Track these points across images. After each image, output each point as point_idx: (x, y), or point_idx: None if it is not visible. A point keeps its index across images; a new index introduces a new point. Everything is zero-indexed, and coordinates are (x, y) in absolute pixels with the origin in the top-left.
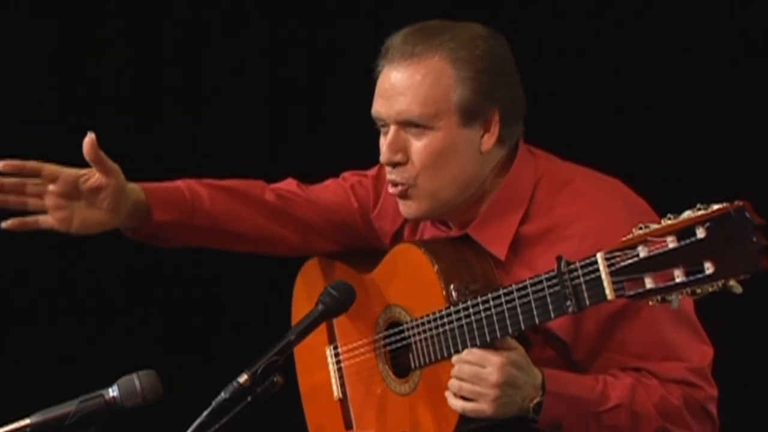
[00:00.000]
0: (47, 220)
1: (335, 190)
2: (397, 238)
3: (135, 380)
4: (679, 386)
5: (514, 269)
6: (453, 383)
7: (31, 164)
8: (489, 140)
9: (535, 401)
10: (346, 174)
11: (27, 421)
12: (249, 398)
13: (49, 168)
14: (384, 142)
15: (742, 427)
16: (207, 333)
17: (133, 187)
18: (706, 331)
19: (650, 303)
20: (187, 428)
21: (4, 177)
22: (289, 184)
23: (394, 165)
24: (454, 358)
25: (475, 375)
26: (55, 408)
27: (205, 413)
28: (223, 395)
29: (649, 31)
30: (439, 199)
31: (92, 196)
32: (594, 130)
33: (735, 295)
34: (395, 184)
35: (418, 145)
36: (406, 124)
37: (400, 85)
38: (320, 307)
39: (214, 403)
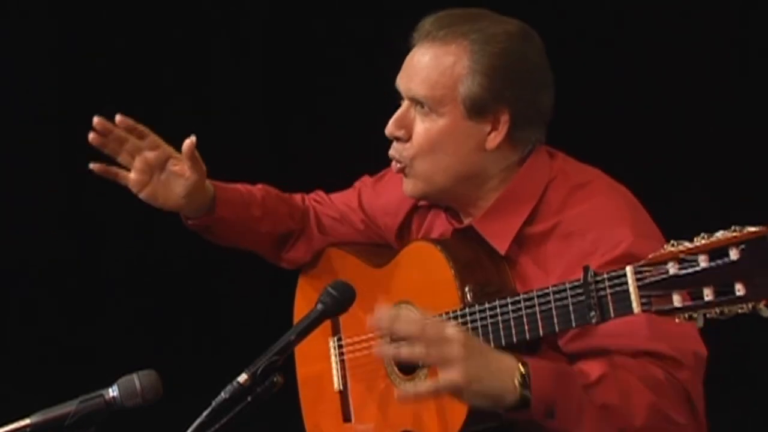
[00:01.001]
0: (127, 176)
1: (348, 194)
2: (402, 230)
3: (135, 380)
4: (657, 362)
5: (519, 265)
6: (417, 350)
7: (141, 127)
8: (495, 138)
9: (519, 373)
10: (365, 177)
11: (27, 421)
12: (249, 398)
13: (153, 137)
14: None
15: (743, 429)
16: (207, 333)
17: (208, 186)
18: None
19: (677, 320)
20: (187, 428)
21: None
22: (318, 195)
23: (396, 139)
24: (414, 327)
25: (439, 336)
26: (55, 408)
27: (205, 413)
28: (223, 395)
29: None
30: (434, 184)
31: (172, 178)
32: (593, 131)
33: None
34: (394, 160)
35: (420, 127)
36: (416, 102)
37: (418, 64)
38: (320, 306)
39: (214, 403)
